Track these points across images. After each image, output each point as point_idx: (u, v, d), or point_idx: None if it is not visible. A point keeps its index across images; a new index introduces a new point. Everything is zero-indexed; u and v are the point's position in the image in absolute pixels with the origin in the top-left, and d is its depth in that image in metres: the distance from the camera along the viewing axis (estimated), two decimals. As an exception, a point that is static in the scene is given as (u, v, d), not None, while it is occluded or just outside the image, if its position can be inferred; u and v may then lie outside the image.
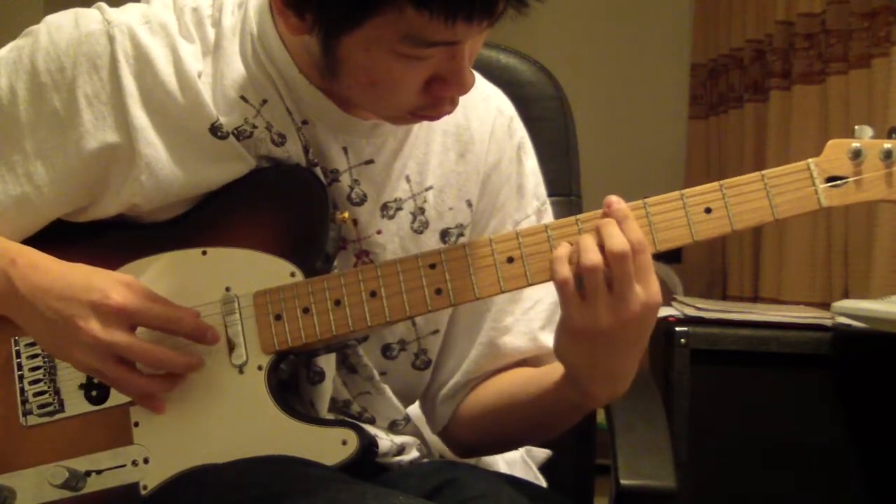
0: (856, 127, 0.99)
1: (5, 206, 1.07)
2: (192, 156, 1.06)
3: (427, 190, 1.14)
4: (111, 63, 1.04)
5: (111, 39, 1.04)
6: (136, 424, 1.04)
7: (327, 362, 1.08)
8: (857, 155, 0.98)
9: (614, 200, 0.98)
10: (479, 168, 1.17)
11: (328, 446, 1.00)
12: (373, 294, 1.02)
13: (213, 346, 1.03)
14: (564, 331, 1.00)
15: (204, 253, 1.06)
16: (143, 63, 1.05)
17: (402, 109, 1.02)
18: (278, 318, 1.03)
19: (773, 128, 2.79)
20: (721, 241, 3.11)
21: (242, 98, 1.06)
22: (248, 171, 1.07)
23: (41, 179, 1.06)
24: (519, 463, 1.30)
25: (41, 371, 1.08)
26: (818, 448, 2.04)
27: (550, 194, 1.25)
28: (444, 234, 1.14)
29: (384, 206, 1.12)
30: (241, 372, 1.03)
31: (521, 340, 1.17)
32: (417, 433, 1.17)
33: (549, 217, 1.21)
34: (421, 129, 1.14)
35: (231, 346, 1.03)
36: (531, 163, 1.22)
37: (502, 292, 1.01)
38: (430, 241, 1.13)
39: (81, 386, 1.06)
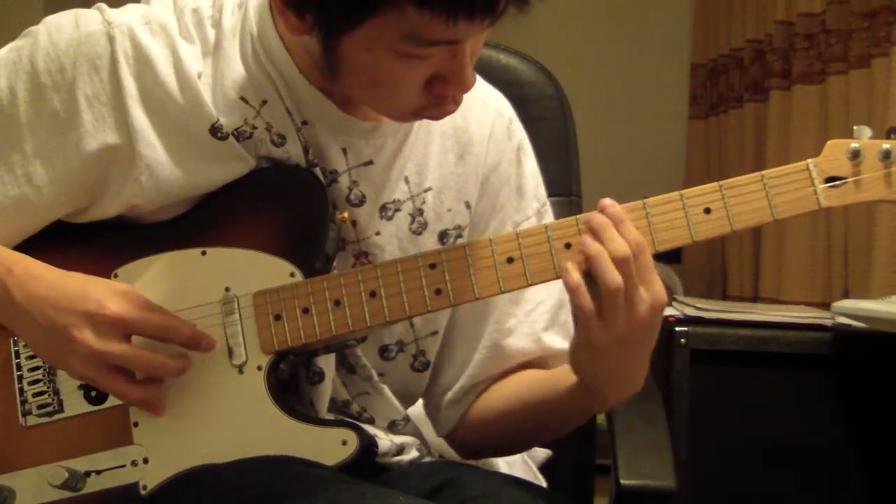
0: (854, 127, 0.99)
1: (4, 207, 1.07)
2: (192, 156, 1.06)
3: (426, 191, 1.14)
4: (111, 64, 1.04)
5: (111, 40, 1.04)
6: (136, 424, 1.04)
7: (327, 362, 1.08)
8: (856, 155, 0.98)
9: (608, 204, 0.98)
10: (477, 170, 1.17)
11: (328, 446, 1.00)
12: (372, 294, 1.02)
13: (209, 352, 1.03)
14: (583, 348, 1.00)
15: (204, 253, 1.06)
16: (143, 64, 1.04)
17: (403, 108, 1.02)
18: (278, 318, 1.03)
19: (773, 128, 2.79)
20: (721, 241, 3.11)
21: (242, 99, 1.06)
22: (248, 172, 1.07)
23: (41, 180, 1.06)
24: (519, 463, 1.30)
25: (40, 371, 1.08)
26: (818, 448, 2.04)
27: (550, 194, 1.25)
28: (443, 236, 1.14)
29: (383, 208, 1.12)
30: (240, 372, 1.03)
31: (524, 342, 1.18)
32: (417, 433, 1.17)
33: (549, 218, 1.21)
34: (420, 130, 1.14)
35: (230, 347, 1.03)
36: (530, 164, 1.22)
37: (502, 292, 1.01)
38: (429, 243, 1.13)
39: (81, 386, 1.06)
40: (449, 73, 0.97)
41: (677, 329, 2.05)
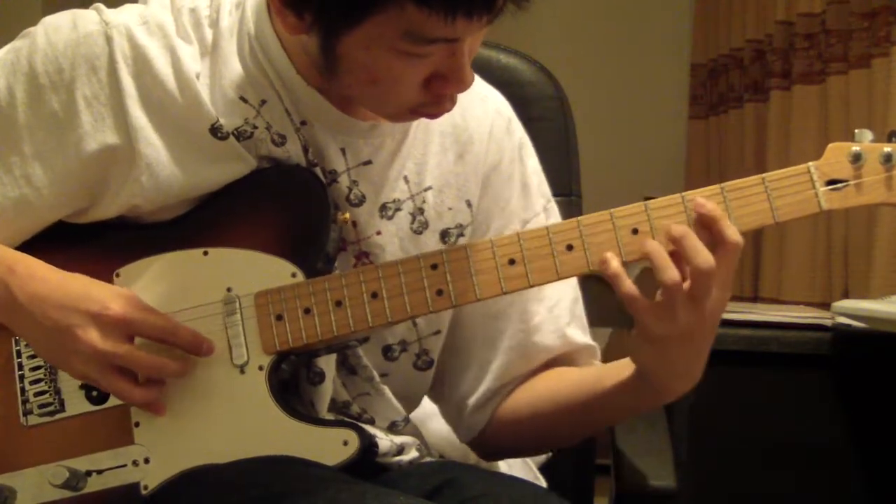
0: (856, 131, 1.00)
1: (4, 208, 1.07)
2: (193, 156, 1.06)
3: (426, 190, 1.14)
4: (109, 64, 1.04)
5: (109, 40, 1.04)
6: (137, 424, 1.04)
7: (327, 363, 1.08)
8: (857, 158, 0.98)
9: (704, 201, 0.97)
10: (477, 168, 1.17)
11: (329, 446, 1.00)
12: (374, 295, 1.02)
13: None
14: (643, 339, 1.00)
15: (205, 253, 1.06)
16: (141, 64, 1.04)
17: (402, 107, 1.02)
18: (279, 318, 1.03)
19: (773, 128, 2.79)
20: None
21: (242, 99, 1.06)
22: (249, 172, 1.07)
23: (40, 181, 1.06)
24: (519, 463, 1.30)
25: (42, 371, 1.08)
26: (818, 448, 2.04)
27: (551, 194, 1.25)
28: (444, 235, 1.14)
29: (383, 207, 1.12)
30: (242, 372, 1.03)
31: (550, 339, 1.17)
32: (417, 433, 1.17)
33: (555, 214, 1.22)
34: (419, 129, 1.14)
35: (232, 347, 1.03)
36: (533, 162, 1.22)
37: (504, 293, 1.01)
38: (430, 242, 1.13)
39: (82, 386, 1.06)
40: (448, 71, 0.97)
41: (677, 329, 2.05)
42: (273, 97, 1.06)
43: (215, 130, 1.05)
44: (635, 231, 0.99)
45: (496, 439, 1.19)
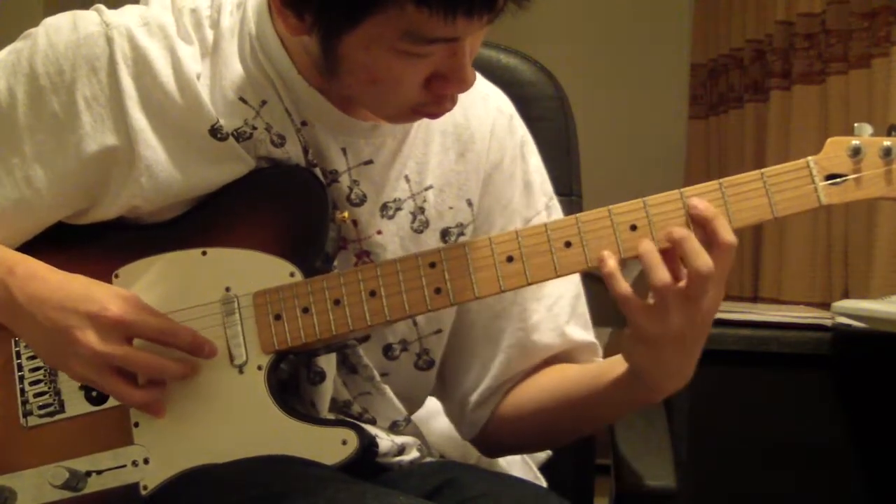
0: (855, 125, 0.99)
1: (4, 209, 1.07)
2: (192, 157, 1.06)
3: (427, 189, 1.14)
4: (110, 65, 1.04)
5: (109, 41, 1.04)
6: (137, 425, 1.04)
7: (328, 362, 1.08)
8: (856, 152, 0.98)
9: (698, 201, 0.97)
10: (479, 167, 1.17)
11: (328, 446, 1.00)
12: (372, 293, 1.02)
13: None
14: (635, 339, 1.00)
15: (204, 253, 1.06)
16: (141, 65, 1.04)
17: (402, 107, 1.02)
18: (278, 317, 1.03)
19: (773, 128, 2.79)
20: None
21: (241, 99, 1.06)
22: (248, 172, 1.07)
23: (40, 182, 1.06)
24: (519, 463, 1.30)
25: (42, 372, 1.08)
26: (818, 448, 2.04)
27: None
28: (445, 234, 1.14)
29: (384, 207, 1.12)
30: (240, 372, 1.03)
31: (549, 337, 1.18)
32: (418, 433, 1.17)
33: (557, 212, 1.22)
34: (420, 129, 1.14)
35: (230, 347, 1.03)
36: (535, 160, 1.22)
37: (502, 291, 1.01)
38: (431, 241, 1.13)
39: (82, 386, 1.06)
40: (448, 71, 0.97)
41: (677, 329, 2.05)
42: (273, 98, 1.06)
43: (215, 131, 1.05)
44: (634, 227, 0.99)
45: (498, 436, 1.19)
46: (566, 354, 1.19)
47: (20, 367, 1.08)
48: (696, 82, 3.43)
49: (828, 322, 2.06)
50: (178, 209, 1.08)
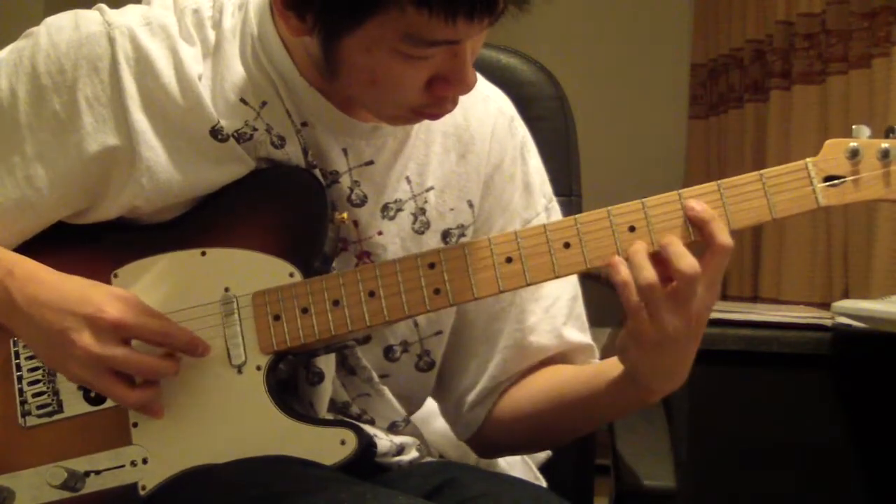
0: (853, 126, 0.99)
1: (5, 208, 1.07)
2: (193, 158, 1.06)
3: (428, 191, 1.14)
4: (111, 65, 1.04)
5: (111, 41, 1.04)
6: (135, 425, 1.04)
7: (326, 363, 1.08)
8: (854, 154, 0.98)
9: (694, 203, 0.98)
10: (479, 169, 1.17)
11: (327, 446, 1.00)
12: (371, 294, 1.02)
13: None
14: (632, 340, 1.00)
15: (203, 254, 1.06)
16: (143, 65, 1.04)
17: (403, 108, 1.02)
18: (277, 318, 1.03)
19: (773, 128, 2.79)
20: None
21: (242, 101, 1.06)
22: (248, 173, 1.07)
23: (41, 182, 1.06)
24: (519, 463, 1.30)
25: (40, 372, 1.08)
26: (818, 448, 2.04)
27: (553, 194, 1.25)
28: (446, 235, 1.14)
29: (385, 207, 1.12)
30: (239, 372, 1.03)
31: (546, 339, 1.18)
32: (417, 433, 1.17)
33: (556, 214, 1.22)
34: (421, 130, 1.14)
35: (229, 347, 1.03)
36: (535, 161, 1.22)
37: (501, 292, 1.01)
38: (432, 242, 1.13)
39: (80, 387, 1.06)
40: (450, 73, 0.97)
41: (677, 329, 2.05)
42: (274, 99, 1.06)
43: (216, 132, 1.05)
44: (632, 229, 0.99)
45: (493, 436, 1.19)
46: (563, 356, 1.19)
47: (19, 367, 1.08)
48: (696, 82, 3.43)
49: (828, 322, 2.06)
50: (177, 210, 1.08)
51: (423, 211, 1.13)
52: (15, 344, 1.09)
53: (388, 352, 1.14)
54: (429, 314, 1.10)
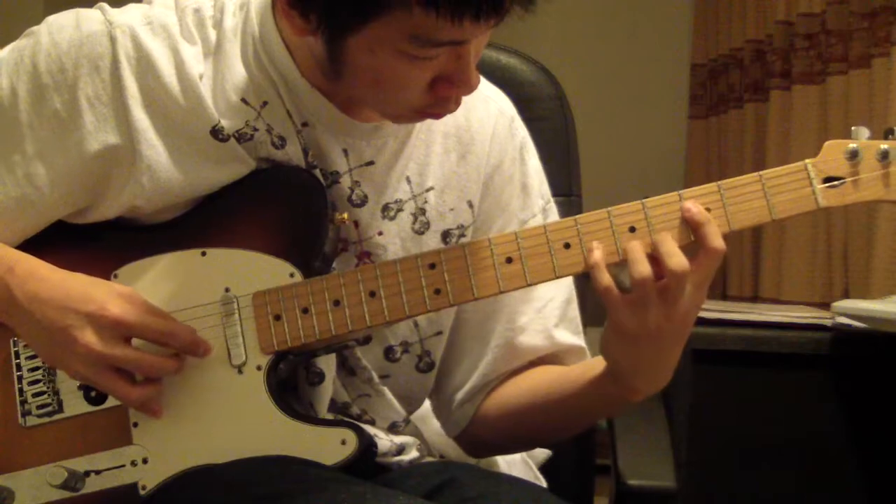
0: (853, 128, 1.00)
1: (6, 207, 1.07)
2: (193, 158, 1.06)
3: (428, 191, 1.14)
4: (112, 64, 1.04)
5: (113, 40, 1.04)
6: (135, 425, 1.04)
7: (327, 363, 1.08)
8: (853, 156, 0.99)
9: (690, 205, 0.98)
10: (479, 169, 1.17)
11: (327, 446, 1.00)
12: (372, 294, 1.02)
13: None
14: (613, 333, 1.01)
15: (203, 254, 1.06)
16: (144, 64, 1.04)
17: (406, 108, 1.02)
18: (277, 318, 1.03)
19: (773, 128, 2.79)
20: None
21: (243, 101, 1.06)
22: (248, 173, 1.07)
23: (42, 181, 1.06)
24: (519, 463, 1.30)
25: (40, 372, 1.08)
26: (818, 448, 2.04)
27: (551, 194, 1.25)
28: (446, 235, 1.14)
29: (385, 208, 1.12)
30: (240, 372, 1.03)
31: (536, 339, 1.18)
32: (417, 433, 1.17)
33: (554, 215, 1.22)
34: (421, 130, 1.14)
35: (230, 347, 1.03)
36: (534, 162, 1.22)
37: (501, 292, 1.02)
38: (432, 242, 1.13)
39: (80, 386, 1.06)
40: (453, 73, 0.97)
41: (677, 329, 2.05)
42: (275, 99, 1.06)
43: (216, 132, 1.05)
44: (632, 229, 0.99)
45: (480, 433, 1.20)
46: (553, 357, 1.20)
47: (19, 367, 1.08)
48: (696, 82, 3.42)
49: (828, 322, 2.06)
50: (178, 209, 1.08)
51: (423, 211, 1.13)
52: (15, 344, 1.09)
53: (388, 352, 1.14)
54: (429, 315, 1.10)
